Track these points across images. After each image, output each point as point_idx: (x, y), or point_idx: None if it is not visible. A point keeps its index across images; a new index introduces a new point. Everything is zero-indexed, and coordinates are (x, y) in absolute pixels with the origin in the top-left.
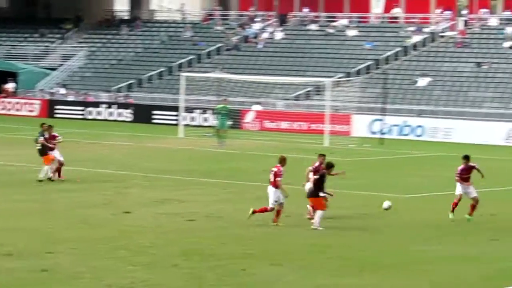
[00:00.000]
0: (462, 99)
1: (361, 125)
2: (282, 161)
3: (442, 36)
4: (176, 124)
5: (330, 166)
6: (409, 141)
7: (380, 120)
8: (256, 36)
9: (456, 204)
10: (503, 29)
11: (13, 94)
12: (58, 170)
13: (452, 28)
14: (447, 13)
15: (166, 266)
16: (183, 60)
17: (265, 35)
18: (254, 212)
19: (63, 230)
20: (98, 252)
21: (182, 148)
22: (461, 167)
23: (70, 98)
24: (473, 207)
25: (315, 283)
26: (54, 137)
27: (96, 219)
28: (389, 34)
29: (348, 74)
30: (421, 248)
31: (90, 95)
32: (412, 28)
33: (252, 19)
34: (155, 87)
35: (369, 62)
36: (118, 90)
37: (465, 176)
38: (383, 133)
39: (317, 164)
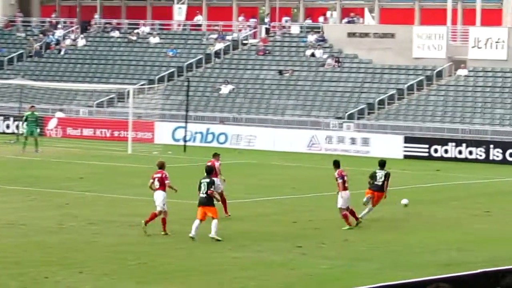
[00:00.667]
0: (264, 106)
1: (164, 132)
2: (162, 165)
3: (244, 44)
4: None
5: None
6: (213, 148)
7: (183, 127)
8: (58, 42)
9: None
10: (304, 37)
11: None
12: None
13: (254, 35)
14: (252, 21)
15: None
16: None
17: (67, 41)
18: (146, 222)
19: None
20: None
21: None
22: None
23: None
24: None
25: None
26: None
27: None
28: (192, 42)
29: (151, 81)
30: (229, 254)
31: None
32: (214, 36)
33: (54, 26)
34: None
35: (172, 69)
36: None
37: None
38: (186, 140)
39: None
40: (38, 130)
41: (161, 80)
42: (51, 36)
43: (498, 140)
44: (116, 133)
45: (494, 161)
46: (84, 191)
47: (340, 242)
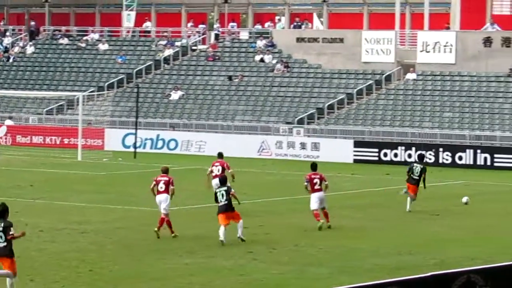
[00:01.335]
0: (214, 112)
1: (114, 139)
2: (167, 170)
3: (193, 50)
4: None
5: None
6: (163, 155)
7: (133, 134)
8: (6, 50)
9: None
10: (253, 42)
11: None
12: None
13: (203, 41)
14: (201, 26)
15: None
16: None
17: (16, 49)
18: (158, 228)
19: None
20: None
21: None
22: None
23: None
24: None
25: None
26: None
27: None
28: (141, 48)
29: (101, 88)
30: (180, 260)
31: None
32: (163, 42)
33: (2, 33)
34: None
35: (121, 76)
36: None
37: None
38: (136, 147)
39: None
40: None
41: (110, 86)
42: None
43: (447, 143)
44: (66, 141)
45: (443, 164)
46: (34, 198)
47: (291, 247)
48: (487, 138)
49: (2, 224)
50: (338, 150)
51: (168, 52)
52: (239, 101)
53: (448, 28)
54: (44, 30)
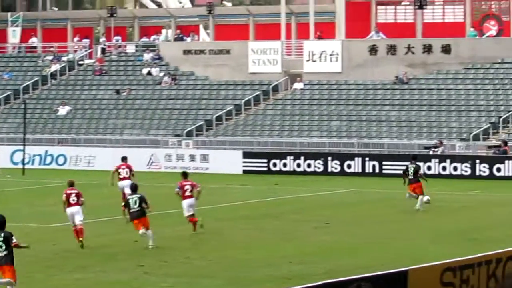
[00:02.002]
0: (103, 126)
1: (2, 156)
2: (73, 183)
3: (80, 64)
4: None
5: None
6: (52, 170)
7: (21, 150)
8: None
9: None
10: (140, 55)
11: None
12: None
13: (90, 56)
14: (85, 41)
15: None
16: None
17: None
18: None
19: None
20: None
21: None
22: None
23: None
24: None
25: None
26: None
27: None
28: (28, 64)
29: None
30: (71, 276)
31: None
32: (50, 57)
33: None
34: None
35: (8, 92)
36: None
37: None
38: (24, 163)
39: None
40: None
41: None
42: None
43: (335, 152)
44: None
45: (332, 173)
46: None
47: (182, 260)
48: (375, 146)
49: (3, 234)
50: (227, 162)
51: (55, 67)
52: (127, 114)
53: (319, 37)
54: None
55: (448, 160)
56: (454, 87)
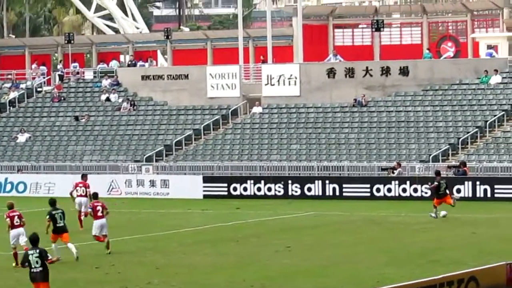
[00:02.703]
0: (62, 153)
1: None
2: (13, 205)
3: (39, 91)
4: None
5: None
6: (12, 198)
7: None
8: None
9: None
10: (99, 81)
11: None
12: None
13: (48, 83)
14: (42, 68)
15: None
16: None
17: None
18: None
19: None
20: None
21: None
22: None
23: None
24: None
25: None
26: None
27: None
28: None
29: None
30: None
31: None
32: (8, 85)
33: None
34: None
35: None
36: None
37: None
38: None
39: None
40: None
41: None
42: None
43: (296, 175)
44: None
45: (293, 196)
46: None
47: (144, 285)
48: (335, 168)
49: (38, 251)
50: (187, 186)
51: (13, 94)
52: (86, 141)
53: (263, 61)
54: None
55: (408, 182)
56: (413, 109)
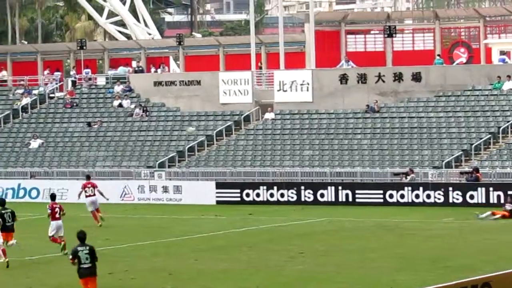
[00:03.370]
0: (75, 159)
1: None
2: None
3: (51, 97)
4: None
5: None
6: (25, 204)
7: None
8: None
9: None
10: (111, 87)
11: None
12: None
13: (61, 89)
14: (55, 74)
15: None
16: None
17: None
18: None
19: None
20: None
21: None
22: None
23: None
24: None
25: None
26: None
27: None
28: None
29: None
30: None
31: None
32: (21, 91)
33: None
34: None
35: None
36: None
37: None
38: None
39: None
40: None
41: None
42: None
43: (308, 181)
44: None
45: (305, 202)
46: None
47: None
48: (347, 174)
49: (88, 248)
50: (200, 192)
51: (26, 100)
52: (99, 147)
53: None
54: None
55: (421, 188)
56: (426, 115)
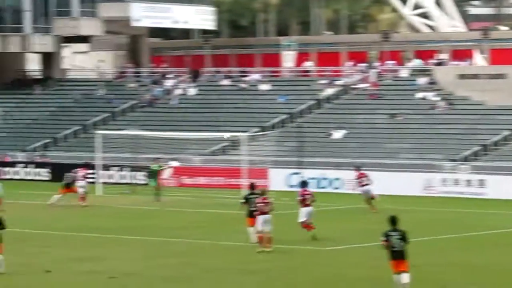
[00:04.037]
0: (377, 150)
1: (279, 179)
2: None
3: (355, 89)
4: (93, 182)
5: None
6: (328, 194)
7: (298, 173)
8: (169, 92)
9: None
10: (414, 80)
11: None
12: None
13: (364, 80)
14: (359, 65)
15: None
16: (97, 118)
17: (178, 91)
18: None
19: None
20: None
21: (100, 206)
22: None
23: None
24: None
25: None
26: None
27: (17, 279)
28: (302, 88)
29: (263, 128)
30: None
31: (7, 155)
32: (324, 81)
33: (164, 76)
34: (71, 145)
35: (283, 116)
36: (34, 150)
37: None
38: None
39: None
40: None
41: (273, 127)
42: (161, 86)
43: None
44: (230, 181)
45: None
46: (200, 239)
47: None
48: None
49: (398, 232)
50: (505, 187)
51: (329, 91)
52: (401, 139)
53: None
54: (206, 72)
55: None
56: None
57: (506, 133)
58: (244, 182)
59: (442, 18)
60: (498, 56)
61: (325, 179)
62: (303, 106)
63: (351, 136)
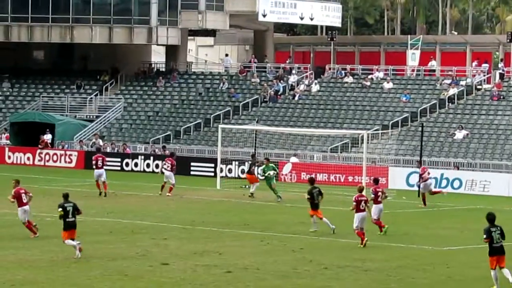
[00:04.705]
0: (499, 151)
1: (398, 178)
2: (362, 190)
3: (478, 89)
4: (213, 176)
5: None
6: (448, 194)
7: (417, 172)
8: (292, 88)
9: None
10: None
11: (50, 146)
12: None
13: (488, 81)
14: (484, 66)
15: None
16: (219, 112)
17: (301, 87)
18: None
19: (100, 282)
20: None
21: (219, 200)
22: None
23: (108, 149)
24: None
25: None
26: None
27: (134, 270)
28: (425, 87)
29: (385, 127)
30: None
31: (127, 147)
32: (448, 81)
33: (288, 72)
34: (192, 138)
35: (405, 115)
36: (155, 142)
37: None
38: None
39: None
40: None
41: (394, 125)
42: (284, 82)
43: None
44: (350, 178)
45: None
46: (318, 235)
47: None
48: None
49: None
50: None
51: (453, 91)
52: None
53: None
54: (329, 69)
55: None
56: None
57: None
58: (364, 180)
59: None
60: None
61: (445, 178)
62: (426, 105)
63: (473, 137)
